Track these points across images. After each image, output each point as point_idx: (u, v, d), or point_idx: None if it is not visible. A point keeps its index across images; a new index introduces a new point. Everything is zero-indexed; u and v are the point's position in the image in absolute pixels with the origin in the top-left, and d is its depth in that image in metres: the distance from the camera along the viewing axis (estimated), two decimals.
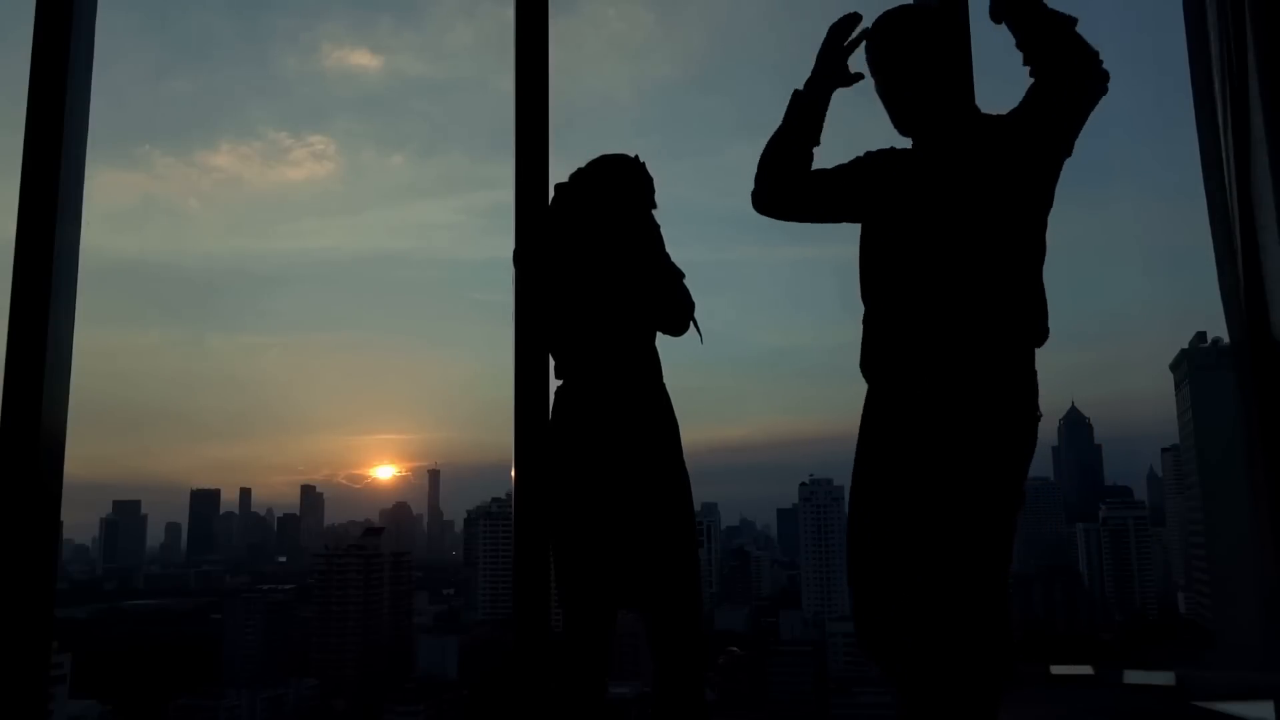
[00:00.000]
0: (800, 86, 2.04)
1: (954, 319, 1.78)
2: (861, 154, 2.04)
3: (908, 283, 1.84)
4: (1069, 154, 1.82)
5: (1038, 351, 1.83)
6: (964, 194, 1.82)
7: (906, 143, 1.98)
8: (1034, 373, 1.81)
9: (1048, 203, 1.84)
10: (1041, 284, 1.84)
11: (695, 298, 2.26)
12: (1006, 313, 1.79)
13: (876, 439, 1.89)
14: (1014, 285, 1.80)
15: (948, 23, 1.95)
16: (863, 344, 1.94)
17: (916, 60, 1.87)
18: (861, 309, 1.95)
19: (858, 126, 1.97)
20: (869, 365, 1.93)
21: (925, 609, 1.78)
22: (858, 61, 2.02)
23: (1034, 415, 1.79)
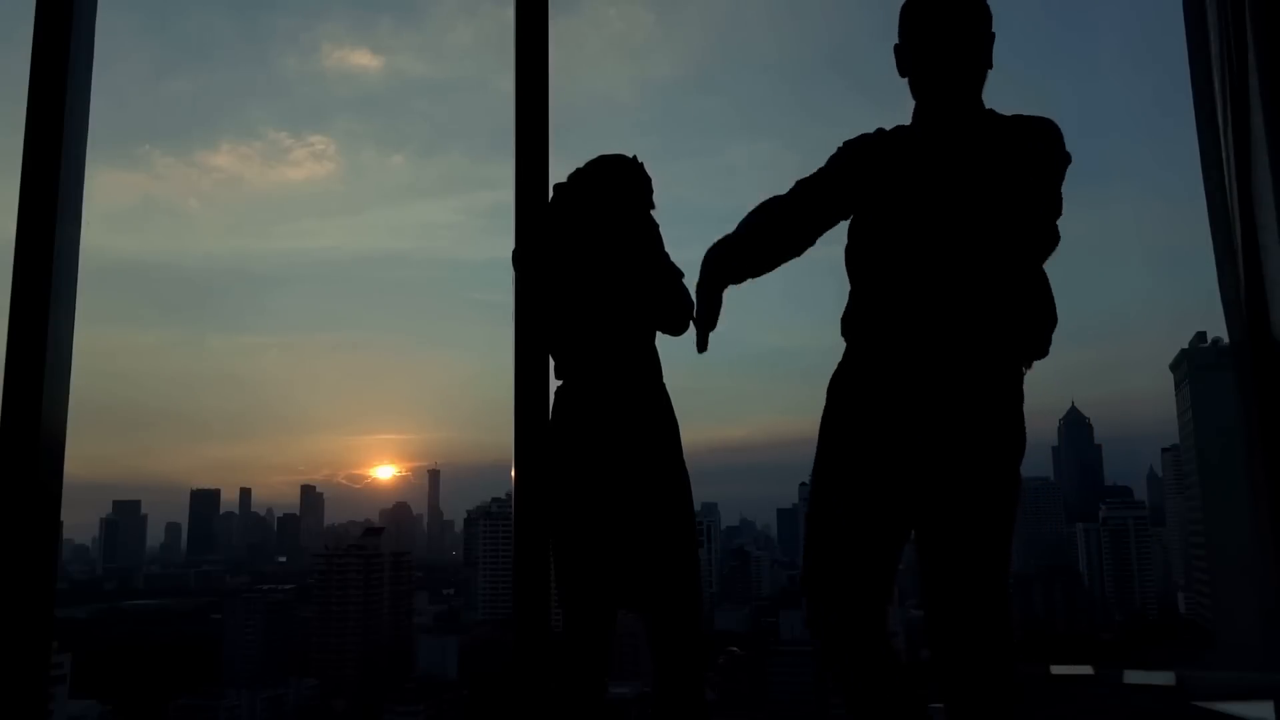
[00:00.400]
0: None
1: (954, 314, 1.74)
2: (839, 150, 1.92)
3: (907, 272, 1.78)
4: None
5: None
6: (980, 188, 1.76)
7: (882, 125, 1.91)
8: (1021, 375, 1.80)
9: (1056, 209, 1.80)
10: (1048, 292, 1.80)
11: (695, 297, 2.26)
12: (1009, 311, 1.75)
13: (861, 435, 1.79)
14: (1017, 286, 1.76)
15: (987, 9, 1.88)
16: (849, 318, 1.87)
17: (965, 35, 1.80)
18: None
19: (858, 126, 1.92)
20: (852, 333, 1.86)
21: (935, 613, 1.75)
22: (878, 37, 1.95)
23: (1021, 416, 1.78)
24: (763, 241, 1.93)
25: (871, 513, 1.76)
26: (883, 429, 1.76)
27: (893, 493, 1.76)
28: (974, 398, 1.73)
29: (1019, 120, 1.81)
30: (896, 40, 1.90)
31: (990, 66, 1.85)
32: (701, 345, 1.98)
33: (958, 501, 1.72)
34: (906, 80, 1.89)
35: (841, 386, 1.86)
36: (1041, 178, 1.77)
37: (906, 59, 1.87)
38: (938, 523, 1.75)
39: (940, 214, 1.75)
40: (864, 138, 1.90)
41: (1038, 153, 1.77)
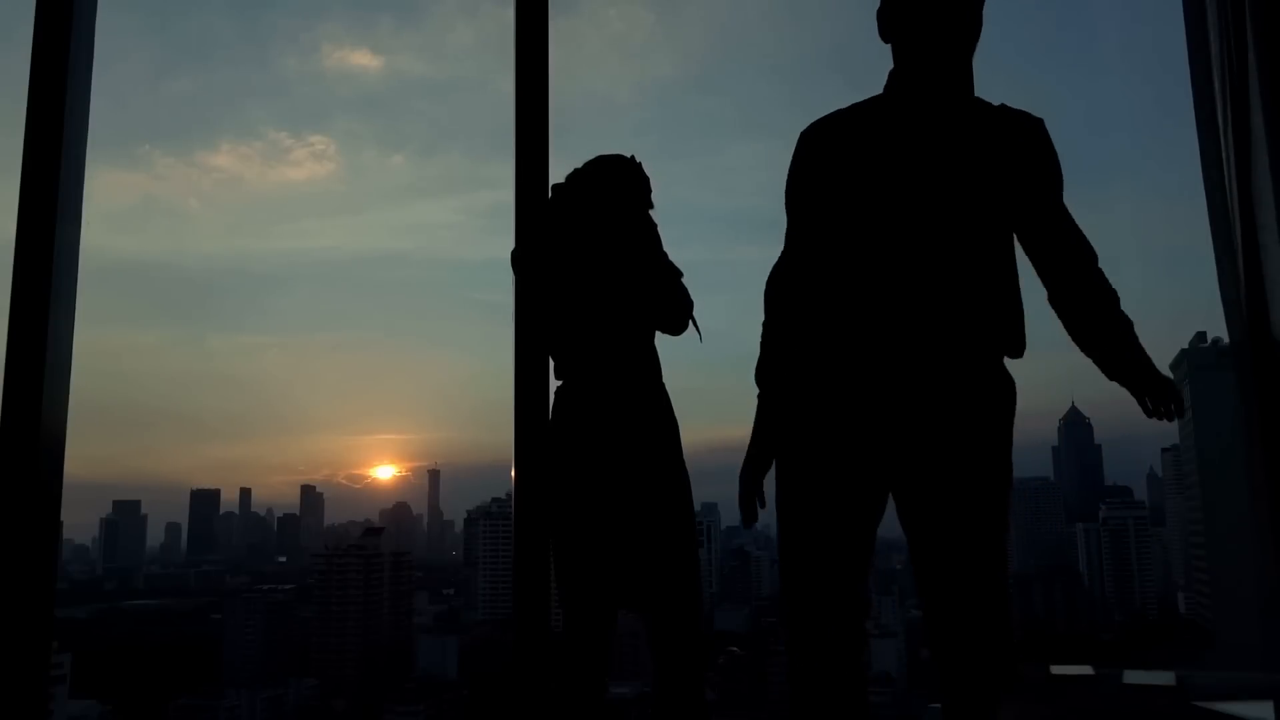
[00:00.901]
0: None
1: (931, 300, 1.66)
2: (797, 157, 1.80)
3: (881, 254, 1.68)
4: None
5: (1039, 351, 1.80)
6: (963, 168, 1.68)
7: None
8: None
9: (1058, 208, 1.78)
10: (1018, 290, 1.75)
11: (695, 297, 2.26)
12: (986, 301, 1.69)
13: (831, 427, 1.70)
14: (996, 281, 1.71)
15: None
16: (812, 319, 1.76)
17: (964, 12, 1.72)
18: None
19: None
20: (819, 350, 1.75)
21: (932, 607, 1.72)
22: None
23: (1005, 406, 1.73)
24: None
25: (845, 507, 1.70)
26: (855, 420, 1.69)
27: (866, 483, 1.70)
28: (954, 386, 1.66)
29: (1006, 110, 1.77)
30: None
31: (980, 27, 1.76)
32: (746, 520, 1.85)
33: (945, 491, 1.67)
34: (890, 46, 1.79)
35: (806, 378, 1.77)
36: (1037, 174, 1.74)
37: (890, 19, 1.77)
38: (925, 514, 1.70)
39: (917, 192, 1.67)
40: (818, 135, 1.79)
41: (1027, 148, 1.74)
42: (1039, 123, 1.78)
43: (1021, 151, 1.74)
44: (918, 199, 1.67)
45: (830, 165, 1.75)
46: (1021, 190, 1.72)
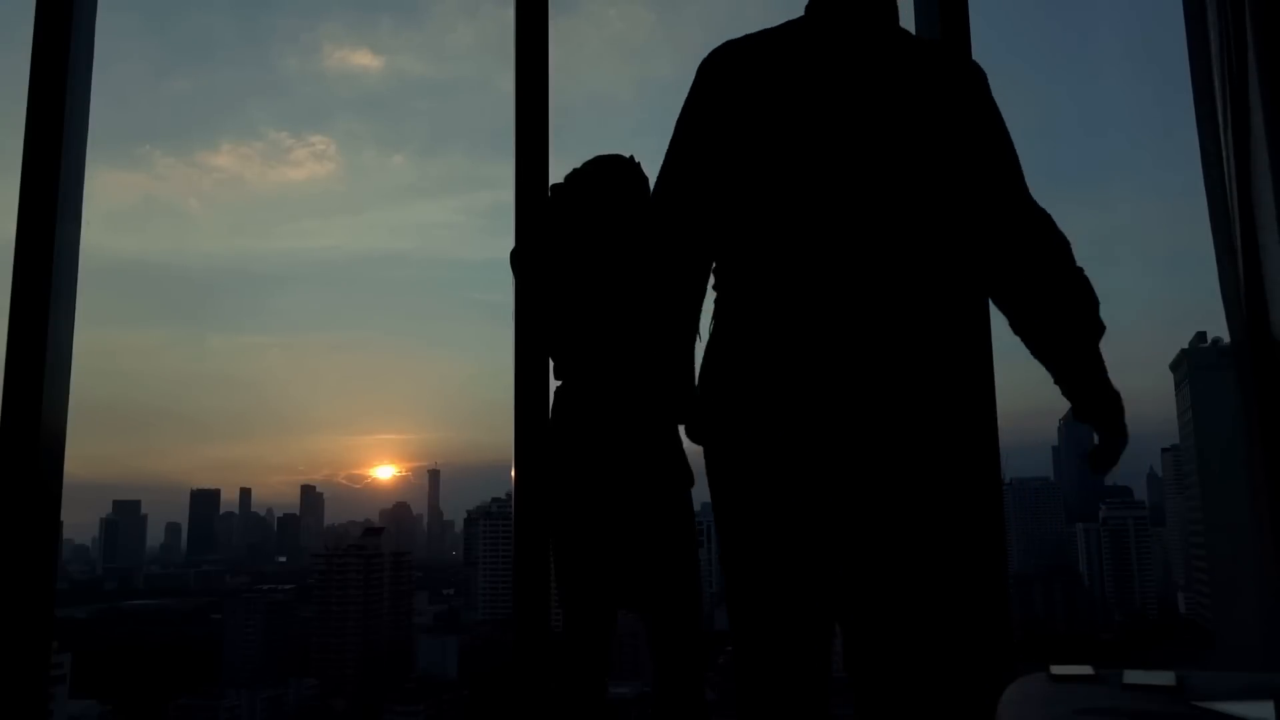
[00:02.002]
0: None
1: (879, 280, 1.32)
2: (694, 93, 1.45)
3: (812, 216, 1.32)
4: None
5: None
6: (916, 113, 1.37)
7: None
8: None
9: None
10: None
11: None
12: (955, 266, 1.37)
13: (755, 465, 1.33)
14: (958, 257, 1.40)
15: None
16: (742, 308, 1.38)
17: None
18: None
19: None
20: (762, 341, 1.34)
21: (921, 627, 1.41)
22: None
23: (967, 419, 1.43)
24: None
25: (791, 592, 1.33)
26: (783, 453, 1.30)
27: (813, 548, 1.33)
28: (921, 405, 1.31)
29: (945, 46, 1.64)
30: None
31: None
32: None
33: (906, 553, 1.35)
34: None
35: (718, 393, 1.37)
36: (984, 130, 1.44)
37: None
38: (881, 586, 1.37)
39: (857, 136, 1.33)
40: (722, 62, 1.45)
41: (973, 98, 1.45)
42: (981, 73, 1.49)
43: (968, 99, 1.44)
44: (860, 143, 1.33)
45: (741, 100, 1.38)
46: (970, 151, 1.40)
